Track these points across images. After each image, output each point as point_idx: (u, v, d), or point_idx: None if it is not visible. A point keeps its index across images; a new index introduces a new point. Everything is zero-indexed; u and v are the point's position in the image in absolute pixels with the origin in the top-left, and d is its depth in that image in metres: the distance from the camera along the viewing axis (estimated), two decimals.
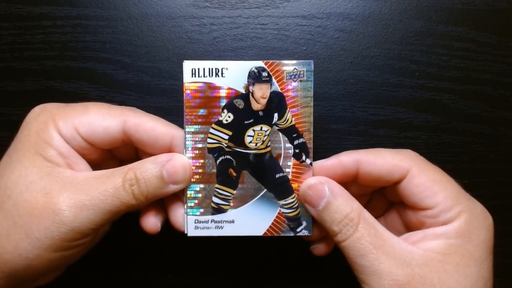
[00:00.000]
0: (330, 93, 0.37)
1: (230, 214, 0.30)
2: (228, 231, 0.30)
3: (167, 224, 0.31)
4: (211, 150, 0.30)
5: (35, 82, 0.36)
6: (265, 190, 0.30)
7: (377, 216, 0.34)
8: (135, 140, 0.29)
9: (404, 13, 0.37)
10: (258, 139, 0.30)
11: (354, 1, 0.37)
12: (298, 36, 0.36)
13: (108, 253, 0.37)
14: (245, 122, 0.30)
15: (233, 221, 0.30)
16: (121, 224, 0.34)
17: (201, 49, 0.36)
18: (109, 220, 0.27)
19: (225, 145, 0.30)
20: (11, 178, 0.27)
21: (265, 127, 0.30)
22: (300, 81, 0.29)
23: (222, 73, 0.29)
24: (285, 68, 0.29)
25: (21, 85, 0.36)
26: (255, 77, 0.29)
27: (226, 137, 0.30)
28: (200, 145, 0.30)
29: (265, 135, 0.30)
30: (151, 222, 0.30)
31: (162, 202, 0.32)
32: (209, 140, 0.30)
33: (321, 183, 0.29)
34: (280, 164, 0.30)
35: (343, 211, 0.28)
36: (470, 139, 0.37)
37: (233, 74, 0.29)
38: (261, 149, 0.30)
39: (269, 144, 0.30)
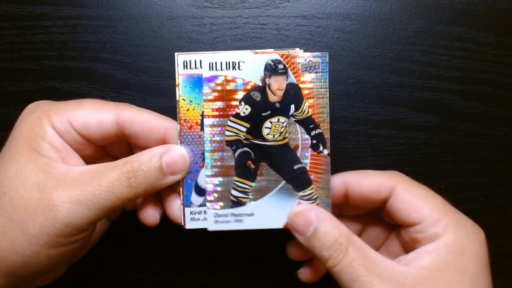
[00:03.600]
0: (330, 93, 0.37)
1: (249, 207, 0.30)
2: (248, 224, 0.30)
3: (168, 224, 0.31)
4: (229, 143, 0.30)
5: (35, 82, 0.36)
6: (284, 181, 0.30)
7: (378, 246, 0.34)
8: (129, 133, 0.29)
9: (404, 13, 0.37)
10: (275, 130, 0.30)
11: (354, 1, 0.37)
12: (298, 36, 0.36)
13: (108, 253, 0.37)
14: (262, 114, 0.30)
15: (252, 214, 0.30)
16: (121, 224, 0.34)
17: (201, 49, 0.36)
18: (105, 215, 0.27)
19: (243, 137, 0.30)
20: (7, 175, 0.26)
21: (282, 119, 0.30)
22: (316, 72, 0.30)
23: (239, 66, 0.29)
24: (300, 60, 0.29)
25: (21, 85, 0.36)
26: (271, 69, 0.29)
27: (244, 129, 0.30)
28: (218, 138, 0.30)
29: (282, 127, 0.30)
30: (150, 214, 0.30)
31: (159, 195, 0.31)
32: (227, 133, 0.30)
33: (308, 210, 0.29)
34: (298, 155, 0.30)
35: (332, 236, 0.28)
36: (470, 139, 0.37)
37: (249, 67, 0.29)
38: (278, 140, 0.30)
39: (286, 135, 0.30)
